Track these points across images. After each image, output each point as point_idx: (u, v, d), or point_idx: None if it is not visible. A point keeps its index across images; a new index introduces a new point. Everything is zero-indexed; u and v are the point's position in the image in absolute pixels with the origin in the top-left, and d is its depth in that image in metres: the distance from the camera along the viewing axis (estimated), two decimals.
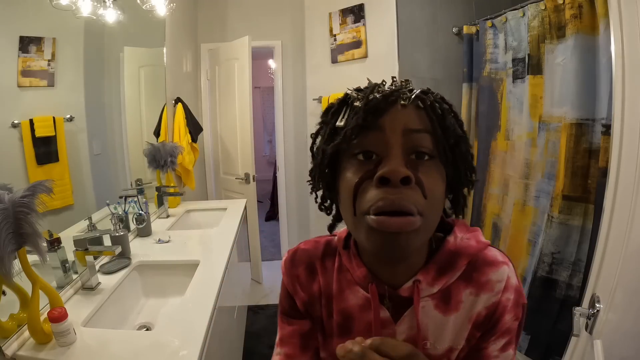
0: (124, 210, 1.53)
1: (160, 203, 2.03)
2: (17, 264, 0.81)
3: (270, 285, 2.97)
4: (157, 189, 2.01)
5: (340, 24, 2.62)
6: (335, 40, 2.66)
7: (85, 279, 1.14)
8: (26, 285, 0.86)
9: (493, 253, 0.50)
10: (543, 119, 1.69)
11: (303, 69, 2.97)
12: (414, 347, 0.40)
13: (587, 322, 0.77)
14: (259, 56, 4.06)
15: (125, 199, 1.59)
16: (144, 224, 1.64)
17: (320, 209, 0.53)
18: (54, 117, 1.20)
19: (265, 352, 2.12)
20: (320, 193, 0.51)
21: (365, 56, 2.52)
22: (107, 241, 1.36)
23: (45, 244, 0.95)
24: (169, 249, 1.52)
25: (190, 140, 2.42)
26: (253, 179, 2.76)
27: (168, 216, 2.02)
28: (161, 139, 2.13)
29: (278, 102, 3.20)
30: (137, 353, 0.86)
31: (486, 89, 2.06)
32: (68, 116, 1.28)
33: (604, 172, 1.38)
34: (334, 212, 0.53)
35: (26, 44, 1.09)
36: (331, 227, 0.55)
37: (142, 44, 2.09)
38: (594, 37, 1.44)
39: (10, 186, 0.94)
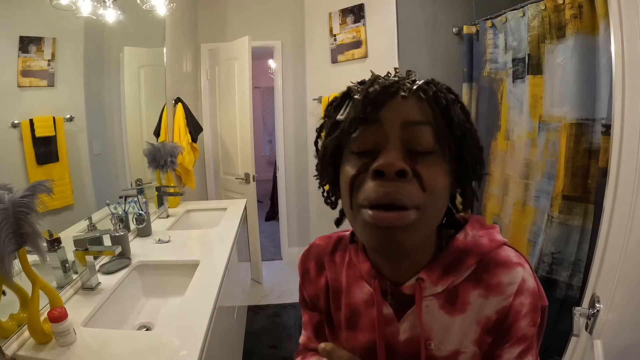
0: (124, 210, 1.53)
1: (160, 203, 2.03)
2: (17, 264, 0.81)
3: (270, 285, 2.97)
4: (157, 189, 2.01)
5: (340, 24, 2.62)
6: (335, 40, 2.66)
7: (85, 279, 1.14)
8: (26, 285, 0.86)
9: (507, 253, 0.47)
10: (543, 119, 1.69)
11: (303, 69, 2.97)
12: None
13: (587, 322, 0.77)
14: (259, 56, 4.05)
15: (125, 199, 1.59)
16: (144, 224, 1.64)
17: (326, 203, 0.53)
18: (54, 117, 1.20)
19: (265, 352, 2.12)
20: (326, 188, 0.52)
21: (365, 56, 2.52)
22: (107, 241, 1.36)
23: (45, 244, 0.95)
24: (169, 249, 1.52)
25: (190, 140, 2.42)
26: (253, 179, 2.76)
27: (168, 216, 2.02)
28: (161, 139, 2.13)
29: (278, 102, 3.20)
30: (137, 353, 0.86)
31: (486, 89, 2.06)
32: (68, 116, 1.28)
33: (604, 172, 1.38)
34: (339, 206, 0.52)
35: (26, 44, 1.09)
36: (338, 222, 0.55)
37: (142, 44, 2.09)
38: (594, 37, 1.44)
39: (10, 186, 0.94)
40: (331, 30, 2.68)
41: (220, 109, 3.01)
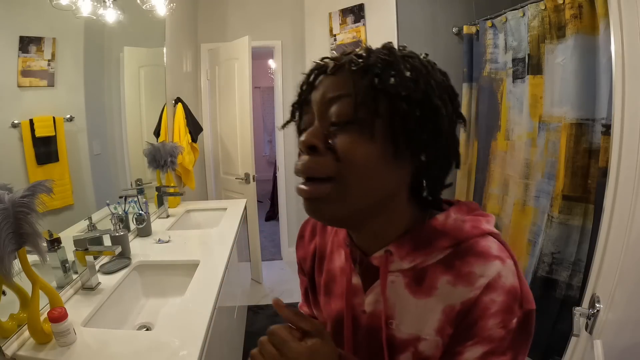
0: (124, 210, 1.53)
1: (160, 203, 2.03)
2: (17, 264, 0.81)
3: (270, 285, 2.97)
4: (157, 189, 2.01)
5: (340, 24, 2.62)
6: (335, 40, 2.66)
7: (85, 279, 1.14)
8: (26, 285, 0.86)
9: (487, 244, 0.43)
10: (543, 119, 1.69)
11: (303, 69, 2.95)
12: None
13: (587, 322, 0.77)
14: (259, 56, 4.06)
15: (125, 199, 1.59)
16: (144, 224, 1.64)
17: None
18: (54, 117, 1.20)
19: None
20: None
21: None
22: (107, 241, 1.36)
23: (45, 244, 0.95)
24: (169, 249, 1.52)
25: (190, 140, 2.43)
26: (253, 179, 2.76)
27: (168, 216, 2.02)
28: (161, 139, 2.13)
29: (278, 102, 3.20)
30: (137, 353, 0.86)
31: (486, 89, 2.06)
32: (68, 116, 1.28)
33: (604, 172, 1.38)
34: None
35: (26, 44, 1.09)
36: None
37: (142, 44, 2.08)
38: (594, 37, 1.44)
39: (10, 186, 0.94)
40: (331, 30, 2.68)
41: (220, 109, 3.01)
